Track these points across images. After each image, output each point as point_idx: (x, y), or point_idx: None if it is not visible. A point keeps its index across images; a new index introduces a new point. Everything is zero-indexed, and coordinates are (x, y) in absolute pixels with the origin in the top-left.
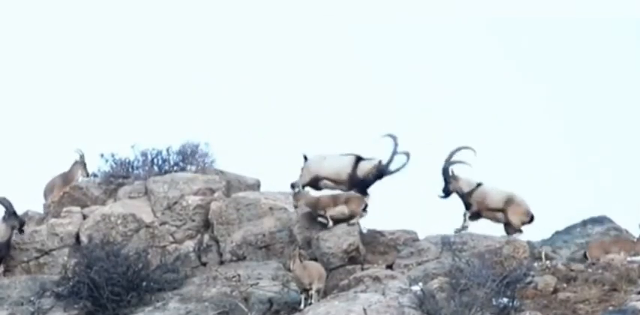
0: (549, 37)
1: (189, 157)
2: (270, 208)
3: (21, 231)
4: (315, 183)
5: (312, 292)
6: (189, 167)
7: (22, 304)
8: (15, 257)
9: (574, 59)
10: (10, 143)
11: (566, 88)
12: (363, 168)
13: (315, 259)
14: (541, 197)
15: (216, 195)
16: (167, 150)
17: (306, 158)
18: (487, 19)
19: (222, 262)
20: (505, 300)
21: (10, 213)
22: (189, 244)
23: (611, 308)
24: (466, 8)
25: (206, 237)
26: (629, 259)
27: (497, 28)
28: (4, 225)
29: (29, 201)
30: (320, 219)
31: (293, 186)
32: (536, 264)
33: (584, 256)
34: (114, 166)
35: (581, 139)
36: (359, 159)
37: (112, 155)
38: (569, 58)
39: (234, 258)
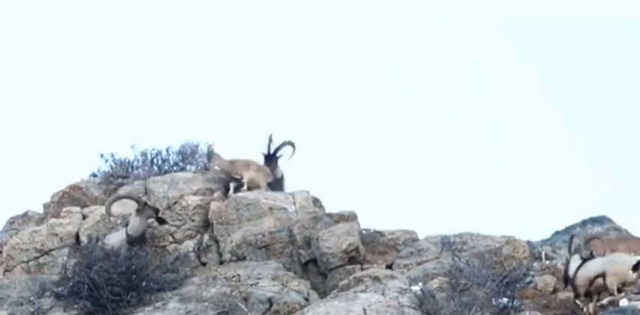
0: (557, 37)
1: (189, 157)
2: (270, 208)
3: (160, 220)
4: None
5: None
6: (189, 167)
7: (22, 304)
8: (15, 257)
9: (577, 60)
10: (11, 143)
11: (568, 89)
12: None
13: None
14: (541, 197)
15: (215, 195)
16: (167, 150)
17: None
18: (490, 19)
19: (221, 262)
20: (505, 300)
21: (142, 204)
22: (189, 244)
23: (611, 308)
24: (471, 8)
25: (206, 237)
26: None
27: (501, 28)
28: (138, 218)
29: (29, 201)
30: (232, 184)
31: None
32: (536, 264)
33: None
34: (114, 166)
35: (582, 139)
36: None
37: (112, 155)
38: (573, 58)
39: (234, 258)
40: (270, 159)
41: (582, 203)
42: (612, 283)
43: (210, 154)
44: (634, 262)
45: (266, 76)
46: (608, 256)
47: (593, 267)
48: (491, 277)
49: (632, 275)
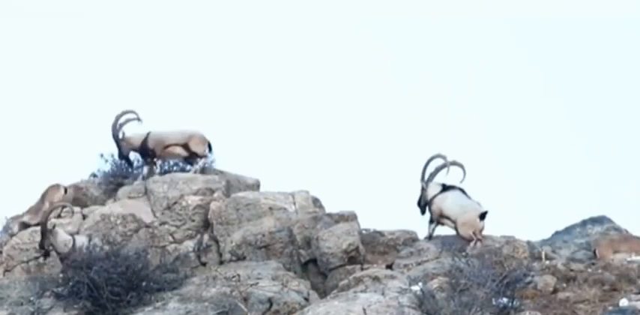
0: (558, 37)
1: (189, 157)
2: (270, 208)
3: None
4: None
5: None
6: (188, 167)
7: (21, 304)
8: (15, 257)
9: (578, 60)
10: (11, 143)
11: (569, 89)
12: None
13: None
14: (541, 197)
15: (215, 195)
16: None
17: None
18: (490, 19)
19: (221, 262)
20: (505, 300)
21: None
22: (189, 244)
23: (611, 308)
24: (471, 8)
25: (206, 237)
26: (628, 259)
27: (501, 28)
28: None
29: (29, 201)
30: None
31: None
32: (536, 264)
33: (594, 253)
34: (114, 166)
35: (583, 139)
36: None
37: (112, 155)
38: (573, 58)
39: (234, 258)
40: (116, 140)
41: (582, 203)
42: (465, 231)
43: (44, 194)
44: (481, 211)
45: (266, 76)
46: (458, 202)
47: (446, 204)
48: (491, 277)
49: (480, 224)
